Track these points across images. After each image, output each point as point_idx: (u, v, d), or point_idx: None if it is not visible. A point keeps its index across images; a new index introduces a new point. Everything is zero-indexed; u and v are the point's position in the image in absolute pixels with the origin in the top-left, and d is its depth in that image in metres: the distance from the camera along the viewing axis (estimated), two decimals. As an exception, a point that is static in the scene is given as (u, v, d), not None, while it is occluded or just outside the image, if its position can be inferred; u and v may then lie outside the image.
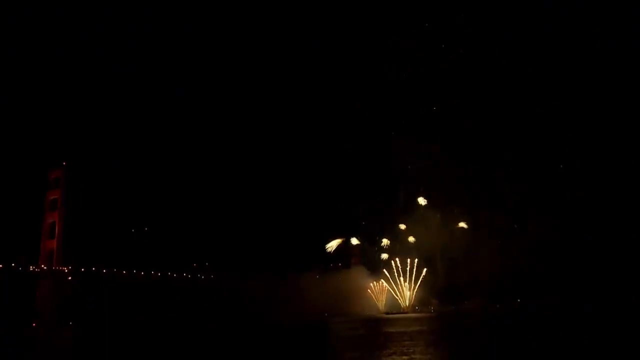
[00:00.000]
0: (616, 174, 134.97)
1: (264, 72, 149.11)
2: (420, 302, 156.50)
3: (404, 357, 36.73)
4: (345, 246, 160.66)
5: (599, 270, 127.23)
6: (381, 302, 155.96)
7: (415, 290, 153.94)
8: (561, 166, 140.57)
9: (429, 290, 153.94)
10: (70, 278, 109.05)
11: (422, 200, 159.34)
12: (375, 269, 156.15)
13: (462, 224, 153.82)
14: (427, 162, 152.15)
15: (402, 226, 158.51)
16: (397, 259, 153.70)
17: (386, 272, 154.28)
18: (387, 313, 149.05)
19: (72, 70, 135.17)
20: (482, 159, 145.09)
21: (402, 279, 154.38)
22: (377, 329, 68.45)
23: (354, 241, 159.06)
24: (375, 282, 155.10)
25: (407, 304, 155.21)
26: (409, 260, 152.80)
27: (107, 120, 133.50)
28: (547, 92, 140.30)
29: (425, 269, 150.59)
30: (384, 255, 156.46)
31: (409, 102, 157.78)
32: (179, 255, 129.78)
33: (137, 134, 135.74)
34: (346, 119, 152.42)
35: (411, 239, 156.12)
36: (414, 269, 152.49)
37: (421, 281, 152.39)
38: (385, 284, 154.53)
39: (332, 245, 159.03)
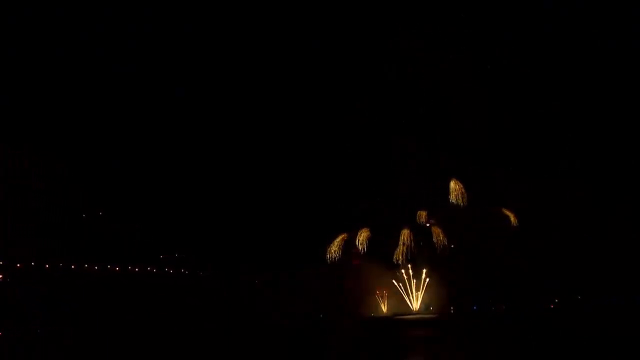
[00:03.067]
0: (616, 174, 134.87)
1: (264, 72, 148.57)
2: (439, 301, 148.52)
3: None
4: (350, 242, 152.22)
5: (599, 270, 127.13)
6: (385, 303, 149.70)
7: (428, 287, 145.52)
8: (561, 166, 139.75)
9: (454, 288, 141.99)
10: (0, 276, 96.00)
11: (454, 184, 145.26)
12: (392, 265, 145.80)
13: (509, 214, 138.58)
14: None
15: (423, 214, 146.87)
16: (407, 241, 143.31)
17: (405, 269, 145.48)
18: (395, 315, 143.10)
19: (71, 69, 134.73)
20: (481, 158, 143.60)
21: (414, 280, 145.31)
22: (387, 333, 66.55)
23: (362, 236, 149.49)
24: (381, 286, 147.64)
25: (417, 304, 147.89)
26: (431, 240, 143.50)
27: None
28: (547, 92, 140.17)
29: (458, 252, 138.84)
30: (398, 256, 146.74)
31: (409, 102, 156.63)
32: (145, 245, 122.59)
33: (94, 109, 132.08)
34: (346, 119, 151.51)
35: (428, 220, 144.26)
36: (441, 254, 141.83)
37: (445, 276, 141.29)
38: (395, 283, 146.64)
39: (334, 249, 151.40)
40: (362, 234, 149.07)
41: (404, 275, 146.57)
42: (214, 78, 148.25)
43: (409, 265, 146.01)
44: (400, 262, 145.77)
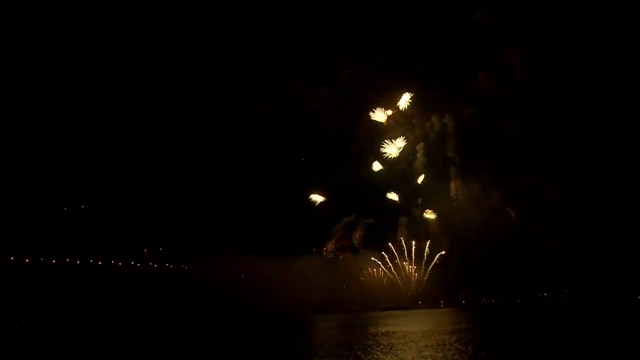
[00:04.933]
0: (616, 174, 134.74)
1: (264, 72, 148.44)
2: (436, 293, 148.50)
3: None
4: (344, 239, 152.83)
5: (599, 270, 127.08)
6: (378, 295, 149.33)
7: (426, 278, 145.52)
8: (562, 166, 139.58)
9: (445, 283, 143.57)
10: None
11: (454, 180, 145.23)
12: (385, 258, 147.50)
13: (509, 211, 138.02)
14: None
15: (418, 210, 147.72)
16: (403, 236, 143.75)
17: (401, 263, 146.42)
18: (386, 309, 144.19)
19: (71, 69, 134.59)
20: (482, 155, 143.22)
21: (405, 264, 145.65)
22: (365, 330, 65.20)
23: (358, 234, 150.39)
24: (367, 272, 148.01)
25: (410, 298, 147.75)
26: (428, 242, 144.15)
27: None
28: (548, 92, 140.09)
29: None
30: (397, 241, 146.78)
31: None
32: (129, 239, 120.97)
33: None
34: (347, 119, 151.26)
35: (429, 214, 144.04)
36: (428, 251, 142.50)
37: (438, 269, 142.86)
38: (383, 271, 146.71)
39: (330, 246, 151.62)
40: (358, 233, 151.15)
41: (402, 269, 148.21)
42: (214, 77, 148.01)
43: (405, 261, 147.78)
44: (396, 257, 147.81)
